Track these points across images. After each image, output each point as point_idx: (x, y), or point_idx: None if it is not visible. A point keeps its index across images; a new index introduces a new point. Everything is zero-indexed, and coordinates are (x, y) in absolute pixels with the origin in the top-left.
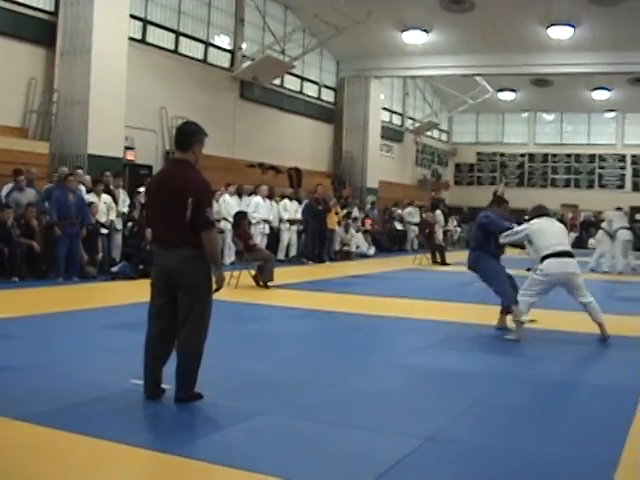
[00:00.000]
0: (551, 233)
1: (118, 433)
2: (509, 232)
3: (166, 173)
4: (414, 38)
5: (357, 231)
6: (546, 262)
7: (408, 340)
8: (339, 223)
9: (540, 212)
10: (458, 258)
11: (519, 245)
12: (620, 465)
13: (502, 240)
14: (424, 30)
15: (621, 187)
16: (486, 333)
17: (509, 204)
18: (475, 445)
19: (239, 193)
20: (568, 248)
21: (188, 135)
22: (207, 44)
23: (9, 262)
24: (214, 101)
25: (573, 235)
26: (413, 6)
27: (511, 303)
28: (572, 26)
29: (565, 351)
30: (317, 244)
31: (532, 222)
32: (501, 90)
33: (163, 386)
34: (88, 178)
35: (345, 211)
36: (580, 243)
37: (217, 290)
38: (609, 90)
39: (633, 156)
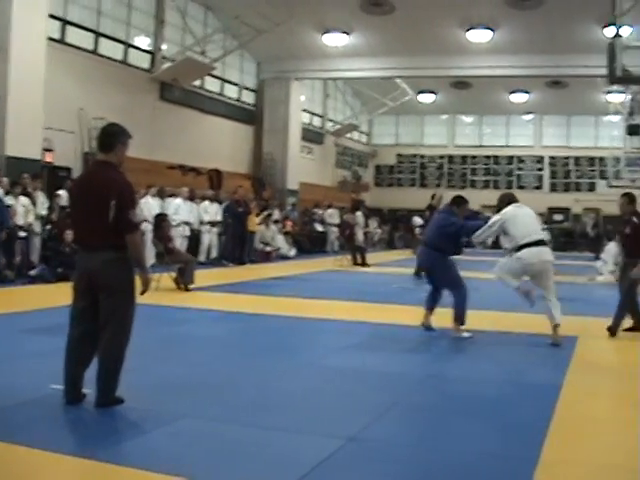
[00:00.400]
0: (525, 221)
1: (42, 440)
2: (482, 230)
3: (89, 175)
4: (335, 40)
5: (278, 233)
6: (525, 251)
7: (329, 341)
8: (260, 224)
9: (509, 200)
10: (379, 259)
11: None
12: (540, 463)
13: (476, 240)
14: (345, 32)
15: (539, 188)
16: (406, 333)
17: (468, 204)
18: (396, 444)
19: (160, 195)
20: (542, 236)
21: (111, 136)
22: (127, 45)
23: None
24: (134, 102)
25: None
26: (334, 8)
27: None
28: (491, 29)
29: (488, 350)
30: (238, 246)
31: (504, 212)
32: (421, 92)
33: (84, 391)
34: (6, 180)
35: (266, 213)
36: (498, 243)
37: (143, 293)
38: (527, 93)
39: (551, 157)
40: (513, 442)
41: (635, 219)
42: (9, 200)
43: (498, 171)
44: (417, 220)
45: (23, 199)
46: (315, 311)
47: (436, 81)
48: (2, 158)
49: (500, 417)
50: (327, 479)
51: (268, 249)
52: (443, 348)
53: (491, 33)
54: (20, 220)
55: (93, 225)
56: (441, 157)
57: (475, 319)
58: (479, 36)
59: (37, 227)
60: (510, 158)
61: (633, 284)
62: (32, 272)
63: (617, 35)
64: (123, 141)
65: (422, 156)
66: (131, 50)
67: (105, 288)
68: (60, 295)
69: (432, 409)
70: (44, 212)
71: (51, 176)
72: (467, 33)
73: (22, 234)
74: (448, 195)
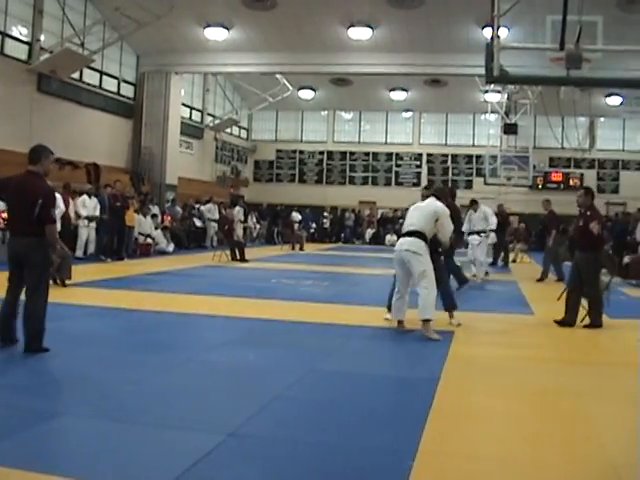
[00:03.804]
0: (409, 215)
1: None
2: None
3: (22, 180)
4: (215, 34)
5: (156, 228)
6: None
7: (208, 337)
8: (137, 211)
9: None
10: (258, 255)
11: None
12: (418, 453)
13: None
14: (225, 27)
15: (417, 185)
16: (286, 329)
17: None
18: (276, 440)
19: None
20: (415, 228)
21: (37, 152)
22: (3, 35)
23: None
24: (10, 94)
25: (370, 231)
26: (215, 2)
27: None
28: (371, 27)
29: (367, 345)
30: (116, 241)
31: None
32: (301, 88)
33: None
34: None
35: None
36: (377, 239)
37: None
38: (406, 91)
39: (429, 155)
40: (391, 435)
41: (589, 213)
42: None
43: (377, 167)
44: (296, 216)
45: None
46: (194, 307)
47: (316, 77)
48: None
49: (377, 411)
50: (207, 475)
51: (149, 241)
52: (325, 343)
53: (371, 31)
54: None
55: (22, 217)
56: (321, 153)
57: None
58: (359, 33)
59: None
60: (389, 155)
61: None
62: None
63: (495, 36)
64: (46, 155)
65: (302, 152)
66: (8, 40)
67: (27, 264)
68: None
69: (311, 404)
70: None
71: None
72: (348, 30)
73: None
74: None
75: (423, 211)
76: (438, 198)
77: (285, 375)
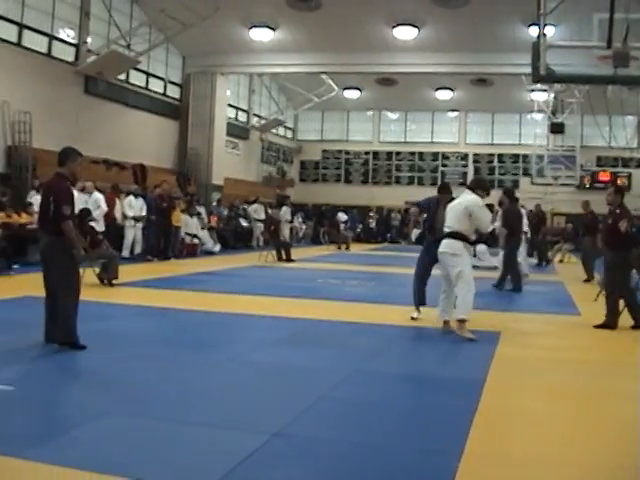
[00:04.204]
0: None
1: None
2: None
3: (48, 181)
4: (261, 35)
5: (203, 228)
6: None
7: (254, 337)
8: (183, 212)
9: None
10: (303, 255)
11: None
12: (464, 455)
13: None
14: (271, 27)
15: (463, 184)
16: (332, 329)
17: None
18: (321, 440)
19: (85, 190)
20: (452, 229)
21: (63, 155)
22: (51, 37)
23: None
24: (58, 96)
25: (416, 231)
26: (260, 3)
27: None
28: (417, 27)
29: (413, 346)
30: (163, 241)
31: None
32: (346, 88)
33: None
34: None
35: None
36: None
37: (82, 261)
38: (452, 90)
39: (475, 154)
40: (437, 436)
41: (618, 211)
42: None
43: (423, 167)
44: (342, 216)
45: None
46: (240, 307)
47: (362, 77)
48: None
49: (424, 412)
50: (253, 474)
51: (195, 241)
52: (370, 343)
53: (417, 30)
54: None
55: (42, 217)
56: (366, 153)
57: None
58: (405, 33)
59: None
60: (435, 154)
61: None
62: None
63: (541, 34)
64: (72, 159)
65: (347, 152)
66: (56, 43)
67: (50, 263)
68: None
69: (356, 404)
70: None
71: None
72: (393, 30)
73: None
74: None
75: (455, 210)
76: (473, 190)
77: (330, 375)
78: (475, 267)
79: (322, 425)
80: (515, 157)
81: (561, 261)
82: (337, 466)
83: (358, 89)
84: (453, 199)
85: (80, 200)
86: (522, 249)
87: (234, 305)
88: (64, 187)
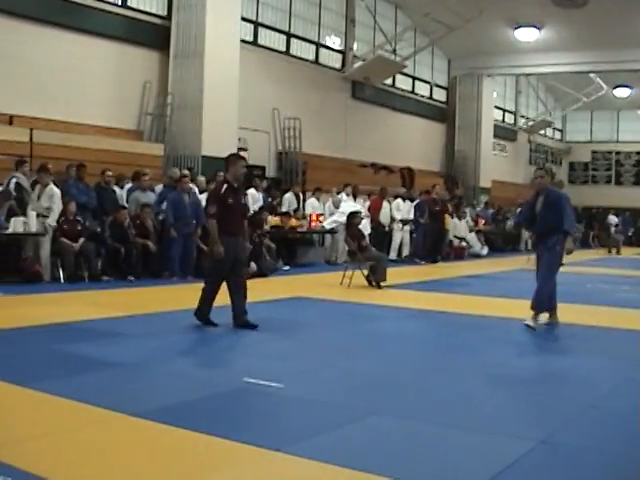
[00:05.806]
0: None
1: (235, 432)
2: None
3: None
4: (526, 35)
5: (470, 231)
6: None
7: (516, 341)
8: (451, 215)
9: None
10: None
11: None
12: None
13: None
14: (536, 27)
15: None
16: (601, 335)
17: None
18: (589, 450)
19: (354, 194)
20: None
21: (225, 161)
22: (318, 45)
23: (125, 261)
24: (326, 102)
25: None
26: (525, 3)
27: None
28: None
29: None
30: (432, 244)
31: None
32: (617, 87)
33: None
34: (203, 179)
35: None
36: None
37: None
38: None
39: None
40: None
41: None
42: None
43: None
44: (613, 219)
45: None
46: (504, 311)
47: (632, 75)
48: (199, 158)
49: None
50: None
51: (463, 244)
52: None
53: None
54: None
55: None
56: (638, 153)
57: None
58: None
59: None
60: None
61: None
62: None
63: None
64: (233, 163)
65: (618, 153)
66: (322, 50)
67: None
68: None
69: (628, 415)
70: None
71: (245, 175)
72: None
73: None
74: None
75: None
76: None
77: (601, 383)
78: None
79: (590, 435)
80: None
81: None
82: (601, 478)
83: (629, 87)
84: None
85: (348, 204)
86: None
87: (498, 309)
88: (215, 189)
